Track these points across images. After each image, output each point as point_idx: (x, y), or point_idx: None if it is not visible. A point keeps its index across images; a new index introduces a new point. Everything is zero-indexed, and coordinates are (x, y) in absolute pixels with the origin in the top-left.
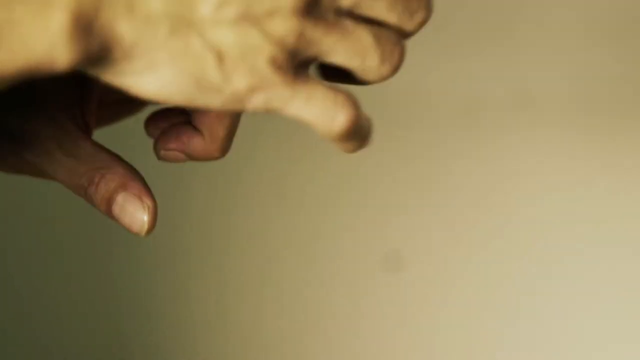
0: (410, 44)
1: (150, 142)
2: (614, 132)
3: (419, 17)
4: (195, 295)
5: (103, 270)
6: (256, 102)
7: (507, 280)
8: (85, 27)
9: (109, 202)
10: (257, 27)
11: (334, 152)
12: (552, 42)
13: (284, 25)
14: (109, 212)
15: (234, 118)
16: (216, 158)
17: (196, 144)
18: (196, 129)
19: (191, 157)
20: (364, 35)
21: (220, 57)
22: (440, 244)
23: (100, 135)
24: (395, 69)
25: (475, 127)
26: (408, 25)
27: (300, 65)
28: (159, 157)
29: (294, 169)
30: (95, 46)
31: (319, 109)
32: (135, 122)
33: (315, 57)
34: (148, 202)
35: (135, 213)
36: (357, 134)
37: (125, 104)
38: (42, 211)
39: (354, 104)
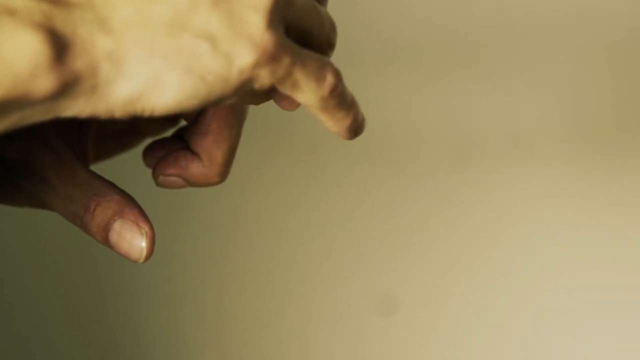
0: (402, 83)
1: (146, 170)
2: (610, 169)
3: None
4: (191, 333)
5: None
6: (263, 76)
7: (504, 323)
8: (65, 45)
9: (106, 229)
10: (236, 1)
11: (328, 195)
12: (545, 79)
13: None
14: (105, 240)
15: (232, 142)
16: (215, 183)
17: (195, 169)
18: (194, 154)
19: (190, 183)
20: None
21: (213, 42)
22: (435, 287)
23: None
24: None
25: (468, 167)
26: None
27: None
28: (158, 184)
29: (289, 211)
30: (83, 67)
31: (313, 72)
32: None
33: (292, 21)
34: (146, 228)
35: (133, 240)
36: (344, 94)
37: (123, 136)
38: (32, 212)
39: (333, 63)
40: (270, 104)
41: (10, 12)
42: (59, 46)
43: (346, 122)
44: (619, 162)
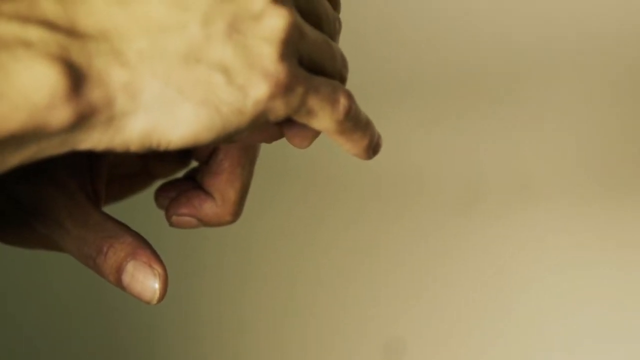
0: (409, 126)
1: (158, 211)
2: (618, 210)
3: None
4: None
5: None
6: (278, 107)
7: None
8: (81, 77)
9: (119, 271)
10: (250, 31)
11: (335, 239)
12: (550, 121)
13: (276, 21)
14: (118, 282)
15: (244, 181)
16: (228, 222)
17: (208, 208)
18: (207, 194)
19: (203, 222)
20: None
21: (227, 74)
22: (443, 331)
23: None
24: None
25: (475, 210)
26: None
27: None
28: (171, 224)
29: (296, 255)
30: (99, 98)
31: (326, 97)
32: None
33: (305, 53)
34: (158, 269)
35: (146, 281)
36: (359, 114)
37: (134, 178)
38: None
39: (343, 86)
40: (282, 144)
41: (27, 44)
42: (75, 78)
43: (364, 142)
44: (627, 202)
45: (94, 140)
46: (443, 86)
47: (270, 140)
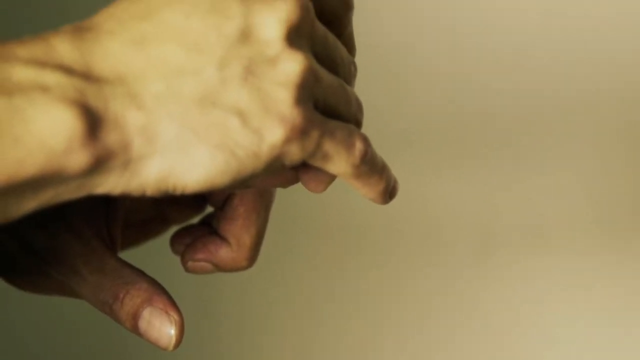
0: (421, 174)
1: (174, 257)
2: (632, 258)
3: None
4: None
5: None
6: (293, 151)
7: None
8: (98, 121)
9: (135, 317)
10: (266, 75)
11: (346, 288)
12: (564, 169)
13: (292, 65)
14: (135, 328)
15: (260, 227)
16: (244, 268)
17: (224, 253)
18: (223, 239)
19: (219, 268)
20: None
21: (243, 117)
22: None
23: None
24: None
25: (488, 259)
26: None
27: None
28: (187, 269)
29: (311, 303)
30: (115, 142)
31: (342, 141)
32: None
33: (320, 97)
34: (175, 315)
35: (162, 327)
36: (375, 158)
37: (149, 224)
38: None
39: (359, 130)
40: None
41: (44, 89)
42: (92, 121)
43: (380, 186)
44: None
45: (110, 184)
46: (456, 135)
47: (285, 185)
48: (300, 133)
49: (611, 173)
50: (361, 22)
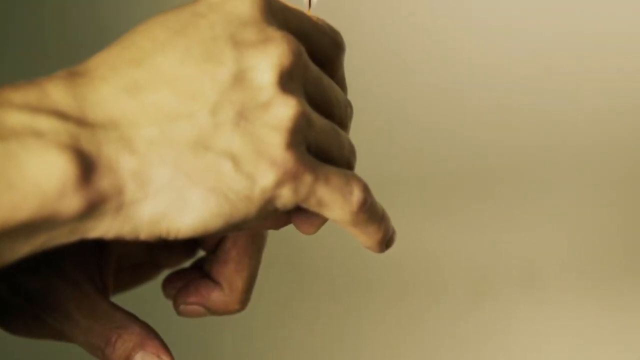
0: (415, 219)
1: (166, 300)
2: (625, 304)
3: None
4: None
5: None
6: (286, 195)
7: None
8: (91, 165)
9: None
10: (258, 120)
11: (343, 332)
12: (558, 216)
13: (284, 110)
14: None
15: (252, 270)
16: (236, 311)
17: (216, 297)
18: (215, 282)
19: (211, 311)
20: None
21: (236, 162)
22: None
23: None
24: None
25: (481, 304)
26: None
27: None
28: (179, 313)
29: (301, 344)
30: (108, 186)
31: (338, 188)
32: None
33: (312, 141)
34: (167, 359)
35: None
36: (374, 207)
37: (141, 268)
38: None
39: (360, 177)
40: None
41: (37, 134)
42: (86, 166)
43: (378, 235)
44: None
45: (103, 228)
46: (453, 187)
47: (278, 227)
48: (292, 177)
49: (603, 223)
50: (359, 77)
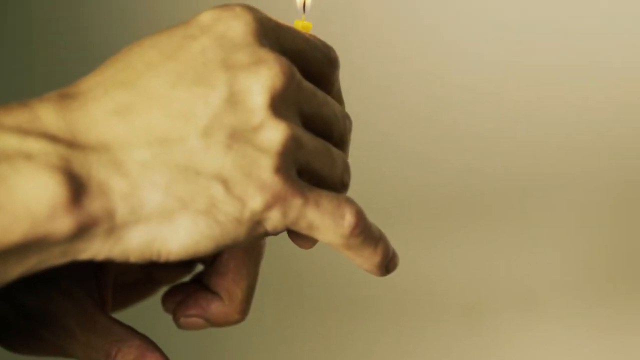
0: (411, 242)
1: (164, 315)
2: (621, 330)
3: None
4: None
5: None
6: (275, 218)
7: None
8: (82, 187)
9: None
10: (249, 143)
11: (335, 353)
12: (552, 237)
13: (274, 133)
14: None
15: (250, 280)
16: (236, 322)
17: (215, 308)
18: (214, 294)
19: (211, 323)
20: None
21: (226, 184)
22: None
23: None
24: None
25: (474, 326)
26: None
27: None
28: (179, 326)
29: None
30: (99, 209)
31: (329, 212)
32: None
33: (304, 163)
34: None
35: None
36: (368, 230)
37: (139, 285)
38: None
39: (354, 201)
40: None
41: (28, 156)
42: (76, 188)
43: (375, 259)
44: (627, 319)
45: (93, 250)
46: (447, 207)
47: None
48: (280, 200)
49: (591, 246)
50: (348, 102)
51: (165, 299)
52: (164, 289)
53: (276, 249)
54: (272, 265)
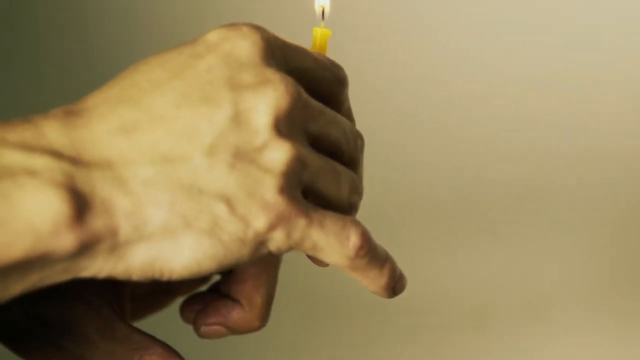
0: (419, 246)
1: (182, 325)
2: (633, 337)
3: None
4: None
5: None
6: (279, 239)
7: None
8: (85, 205)
9: None
10: (253, 163)
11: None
12: (563, 247)
13: (278, 154)
14: None
15: (270, 286)
16: (257, 328)
17: (236, 315)
18: (234, 301)
19: (232, 330)
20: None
21: (229, 204)
22: None
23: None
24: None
25: (485, 333)
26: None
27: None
28: (200, 335)
29: None
30: (102, 227)
31: (333, 233)
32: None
33: (309, 183)
34: None
35: None
36: (374, 252)
37: (156, 296)
38: None
39: (359, 222)
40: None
41: (32, 173)
42: (79, 205)
43: (381, 280)
44: (633, 327)
45: (96, 268)
46: (455, 214)
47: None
48: (284, 220)
49: (603, 255)
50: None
51: (183, 309)
52: (180, 299)
53: (293, 257)
54: (289, 273)
